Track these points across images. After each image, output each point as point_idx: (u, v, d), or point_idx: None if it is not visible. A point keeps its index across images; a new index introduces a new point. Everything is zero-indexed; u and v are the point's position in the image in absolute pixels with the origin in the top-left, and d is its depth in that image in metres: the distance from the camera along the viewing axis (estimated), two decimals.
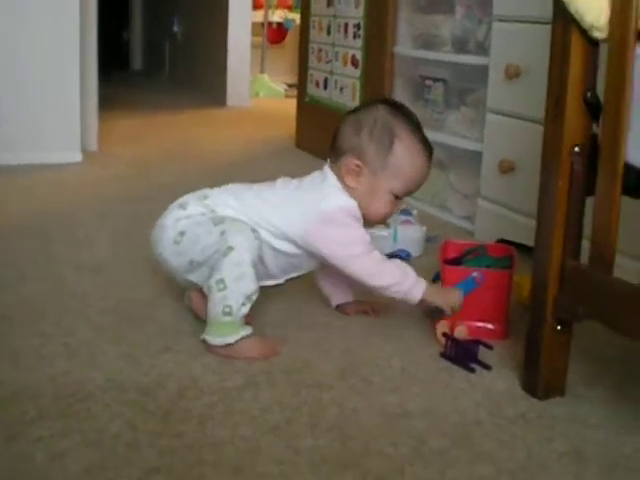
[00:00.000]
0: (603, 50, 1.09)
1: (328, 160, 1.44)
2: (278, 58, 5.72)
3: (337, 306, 1.55)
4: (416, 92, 2.52)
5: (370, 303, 1.54)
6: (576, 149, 1.13)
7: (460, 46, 2.29)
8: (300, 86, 3.39)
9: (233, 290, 1.30)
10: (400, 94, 2.56)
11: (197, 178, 2.52)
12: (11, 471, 0.98)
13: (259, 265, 1.36)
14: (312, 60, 3.23)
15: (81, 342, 1.36)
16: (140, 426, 1.09)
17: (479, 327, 1.44)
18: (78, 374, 1.24)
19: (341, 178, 1.40)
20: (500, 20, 2.01)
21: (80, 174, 2.74)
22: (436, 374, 1.31)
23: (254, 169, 2.86)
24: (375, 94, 2.63)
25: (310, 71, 3.26)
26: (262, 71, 5.46)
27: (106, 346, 1.35)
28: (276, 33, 5.74)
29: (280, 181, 1.46)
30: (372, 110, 1.40)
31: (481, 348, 1.35)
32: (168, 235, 1.39)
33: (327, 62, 3.09)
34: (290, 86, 5.23)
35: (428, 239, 1.97)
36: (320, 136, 2.95)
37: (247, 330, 1.33)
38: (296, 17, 5.06)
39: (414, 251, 1.92)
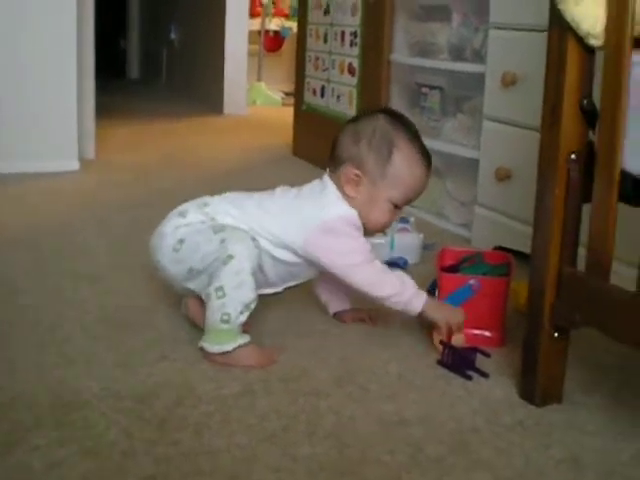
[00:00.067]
0: (599, 58, 1.10)
1: (327, 169, 1.44)
2: (275, 66, 5.74)
3: (334, 314, 1.55)
4: (413, 100, 2.52)
5: (367, 311, 1.53)
6: (572, 156, 1.13)
7: (457, 54, 2.30)
8: (297, 94, 3.40)
9: (232, 298, 1.30)
10: (397, 102, 2.56)
11: (195, 186, 2.52)
12: None
13: (258, 274, 1.36)
14: (309, 68, 3.24)
15: (77, 350, 1.35)
16: (136, 434, 1.09)
17: (476, 334, 1.44)
18: (74, 382, 1.23)
19: (340, 187, 1.40)
20: (496, 28, 2.02)
21: (78, 182, 2.74)
22: (433, 382, 1.30)
23: (251, 177, 2.87)
24: (372, 102, 2.64)
25: (307, 79, 3.27)
26: (259, 79, 5.47)
27: (103, 354, 1.34)
28: (273, 41, 5.75)
29: (279, 190, 1.46)
30: (371, 120, 1.41)
31: (478, 355, 1.35)
32: (167, 242, 1.39)
33: (324, 70, 3.10)
34: (287, 94, 5.24)
35: (425, 246, 1.97)
36: (317, 144, 2.97)
37: (245, 338, 1.33)
38: (293, 25, 5.05)
39: (411, 258, 1.91)
